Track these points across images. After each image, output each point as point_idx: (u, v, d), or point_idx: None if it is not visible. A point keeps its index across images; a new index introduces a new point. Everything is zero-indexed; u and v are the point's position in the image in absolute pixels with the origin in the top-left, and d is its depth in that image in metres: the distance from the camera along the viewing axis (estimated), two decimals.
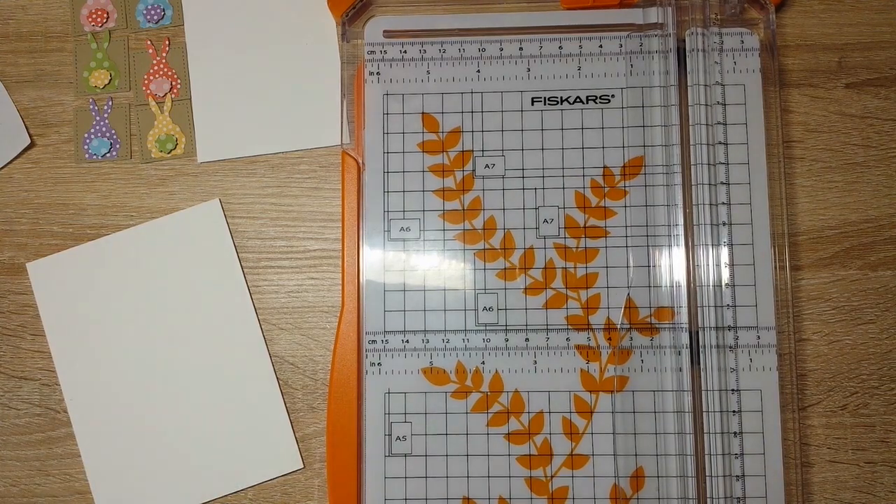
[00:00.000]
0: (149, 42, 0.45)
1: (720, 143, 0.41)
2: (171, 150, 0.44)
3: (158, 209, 0.44)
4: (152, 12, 0.45)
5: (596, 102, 0.42)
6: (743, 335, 0.40)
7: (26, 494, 0.42)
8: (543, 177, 0.42)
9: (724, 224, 0.41)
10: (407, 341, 0.41)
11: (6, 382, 0.43)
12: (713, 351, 0.39)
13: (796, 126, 0.43)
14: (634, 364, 0.40)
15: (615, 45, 0.43)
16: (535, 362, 0.41)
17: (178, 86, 0.45)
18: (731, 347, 0.40)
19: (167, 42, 0.45)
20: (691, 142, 0.41)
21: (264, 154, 0.44)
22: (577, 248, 0.41)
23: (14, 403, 0.43)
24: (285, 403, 0.42)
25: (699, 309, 0.40)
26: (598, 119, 0.42)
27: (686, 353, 0.40)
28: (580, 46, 0.43)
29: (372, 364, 0.41)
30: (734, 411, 0.39)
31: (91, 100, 0.45)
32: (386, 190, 0.42)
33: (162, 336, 0.43)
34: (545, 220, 0.42)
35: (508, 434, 0.40)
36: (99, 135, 0.44)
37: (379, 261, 0.41)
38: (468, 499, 0.40)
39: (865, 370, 0.41)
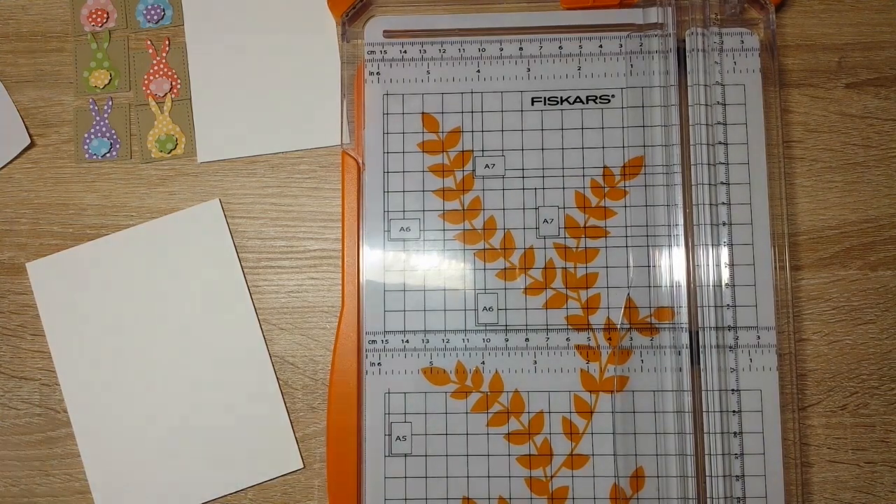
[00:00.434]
0: (149, 42, 0.45)
1: (720, 143, 0.41)
2: (171, 150, 0.44)
3: (158, 209, 0.44)
4: (152, 12, 0.45)
5: (596, 102, 0.42)
6: (743, 335, 0.40)
7: (26, 494, 0.42)
8: (543, 177, 0.42)
9: (724, 224, 0.41)
10: (407, 341, 0.41)
11: (6, 382, 0.43)
12: (713, 351, 0.39)
13: (796, 126, 0.43)
14: (634, 364, 0.40)
15: (615, 45, 0.43)
16: (535, 362, 0.41)
17: (178, 86, 0.45)
18: (731, 347, 0.40)
19: (167, 42, 0.45)
20: (691, 142, 0.41)
21: (264, 154, 0.44)
22: (577, 248, 0.41)
23: (14, 403, 0.43)
24: (285, 403, 0.42)
25: (699, 309, 0.40)
26: (598, 119, 0.42)
27: (686, 353, 0.40)
28: (580, 46, 0.43)
29: (372, 364, 0.41)
30: (734, 411, 0.39)
31: (91, 100, 0.45)
32: (386, 190, 0.42)
33: (162, 336, 0.43)
34: (545, 220, 0.42)
35: (508, 434, 0.40)
36: (99, 135, 0.44)
37: (379, 261, 0.41)
38: (468, 499, 0.40)
39: (865, 370, 0.41)
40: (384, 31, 0.43)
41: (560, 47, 0.43)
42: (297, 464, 0.41)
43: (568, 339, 0.41)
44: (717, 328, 0.40)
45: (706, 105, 0.41)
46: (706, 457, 0.39)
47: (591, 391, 0.40)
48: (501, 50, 0.43)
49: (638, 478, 0.40)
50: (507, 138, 0.42)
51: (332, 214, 0.43)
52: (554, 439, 0.40)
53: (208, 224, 0.43)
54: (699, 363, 0.39)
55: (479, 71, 0.43)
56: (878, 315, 0.42)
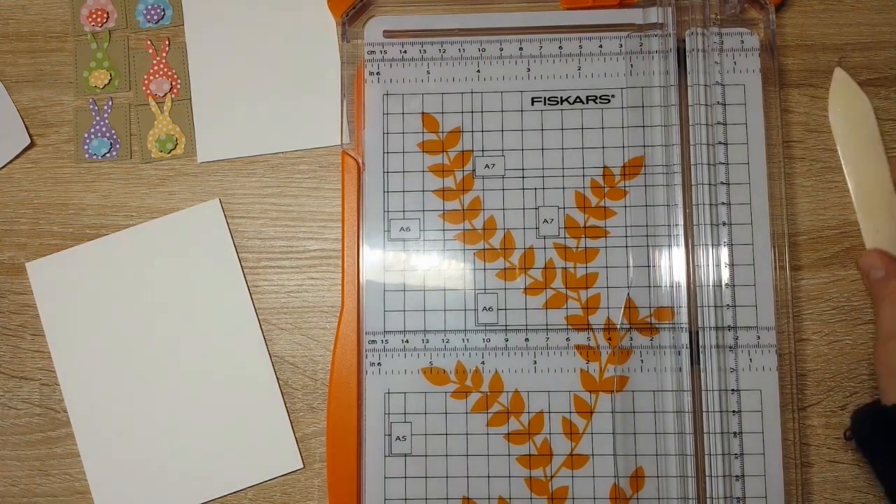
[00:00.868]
0: (149, 42, 0.45)
1: (720, 143, 0.41)
2: (171, 150, 0.44)
3: (158, 209, 0.44)
4: (152, 12, 0.45)
5: (596, 102, 0.42)
6: (743, 335, 0.40)
7: (26, 494, 0.42)
8: (543, 177, 0.42)
9: (724, 224, 0.41)
10: (407, 341, 0.41)
11: (6, 382, 0.43)
12: (713, 351, 0.39)
13: (796, 126, 0.43)
14: (634, 364, 0.40)
15: (615, 45, 0.43)
16: (535, 362, 0.41)
17: (178, 86, 0.45)
18: (730, 347, 0.40)
19: (167, 42, 0.45)
20: (691, 142, 0.41)
21: (264, 154, 0.44)
22: (577, 248, 0.41)
23: (14, 403, 0.43)
24: (285, 403, 0.42)
25: (699, 309, 0.40)
26: (598, 119, 0.42)
27: (686, 353, 0.40)
28: (580, 46, 0.43)
29: (372, 364, 0.41)
30: (734, 411, 0.39)
31: (91, 100, 0.45)
32: (386, 190, 0.42)
33: (162, 336, 0.43)
34: (545, 220, 0.42)
35: (508, 434, 0.40)
36: (99, 135, 0.44)
37: (379, 261, 0.41)
38: (468, 499, 0.40)
39: (865, 370, 0.41)
40: (384, 31, 0.43)
41: (560, 47, 0.43)
42: (297, 464, 0.41)
43: (568, 339, 0.41)
44: (717, 328, 0.40)
45: (706, 105, 0.41)
46: (706, 457, 0.39)
47: (590, 391, 0.40)
48: (501, 50, 0.43)
49: (638, 478, 0.40)
50: (507, 138, 0.42)
51: (332, 214, 0.43)
52: (554, 439, 0.40)
53: (208, 224, 0.43)
54: (699, 363, 0.39)
55: (479, 71, 0.43)
56: None
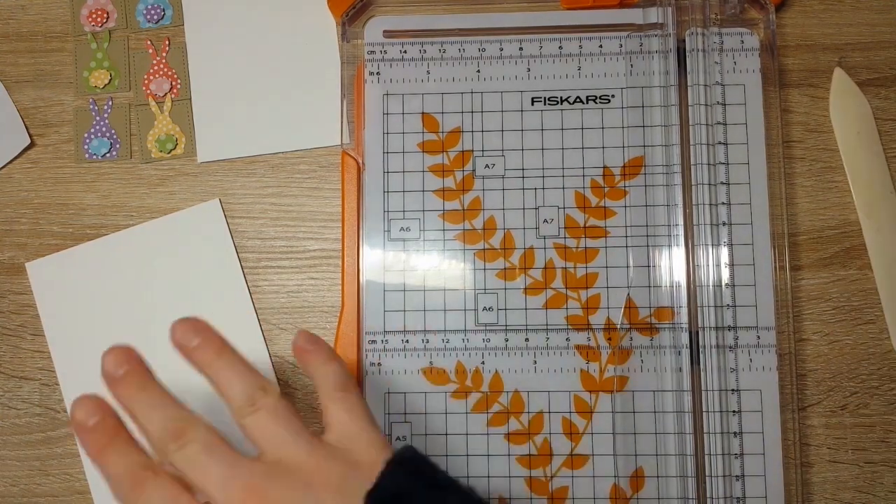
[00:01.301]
0: (149, 42, 0.45)
1: (720, 143, 0.41)
2: (171, 150, 0.44)
3: (158, 209, 0.44)
4: (152, 12, 0.45)
5: (596, 102, 0.42)
6: (743, 335, 0.40)
7: (26, 494, 0.42)
8: (543, 177, 0.42)
9: (724, 224, 0.41)
10: (407, 341, 0.41)
11: (6, 382, 0.43)
12: (713, 351, 0.39)
13: (796, 126, 0.43)
14: (634, 364, 0.40)
15: (615, 45, 0.43)
16: (535, 362, 0.41)
17: (178, 86, 0.45)
18: (730, 347, 0.40)
19: (167, 42, 0.45)
20: (691, 142, 0.41)
21: (264, 154, 0.44)
22: (577, 248, 0.41)
23: (14, 403, 0.43)
24: None
25: (699, 309, 0.40)
26: (598, 119, 0.42)
27: (686, 353, 0.40)
28: (580, 46, 0.43)
29: (372, 364, 0.41)
30: (734, 411, 0.39)
31: (91, 100, 0.45)
32: (386, 190, 0.42)
33: (162, 336, 0.43)
34: (545, 220, 0.42)
35: (508, 434, 0.40)
36: (99, 135, 0.44)
37: (379, 261, 0.41)
38: None
39: (865, 370, 0.41)
40: (384, 31, 0.43)
41: (560, 47, 0.43)
42: None
43: (568, 339, 0.41)
44: (717, 328, 0.40)
45: (706, 105, 0.41)
46: (706, 457, 0.39)
47: (590, 391, 0.40)
48: (501, 50, 0.43)
49: (638, 478, 0.40)
50: (507, 138, 0.42)
51: (332, 214, 0.43)
52: (554, 439, 0.40)
53: (208, 224, 0.43)
54: (699, 363, 0.39)
55: (479, 71, 0.43)
56: (878, 315, 0.42)
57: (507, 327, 0.41)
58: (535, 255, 0.41)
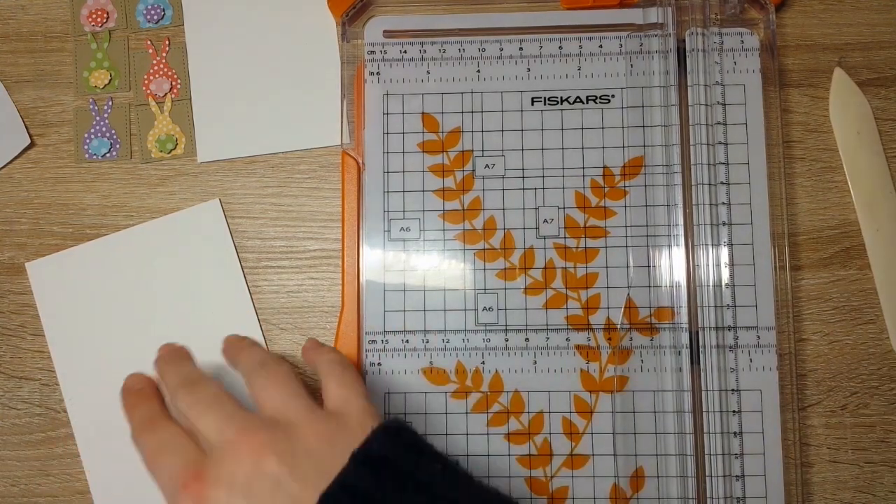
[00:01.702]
0: (149, 42, 0.45)
1: (720, 143, 0.41)
2: (171, 150, 0.44)
3: (158, 209, 0.44)
4: (152, 12, 0.45)
5: (596, 102, 0.42)
6: (743, 335, 0.40)
7: (26, 494, 0.42)
8: (543, 177, 0.42)
9: (724, 224, 0.41)
10: (407, 341, 0.41)
11: (6, 382, 0.43)
12: (713, 351, 0.39)
13: (796, 126, 0.43)
14: (634, 364, 0.40)
15: (615, 45, 0.43)
16: (535, 362, 0.41)
17: (178, 86, 0.45)
18: (731, 347, 0.40)
19: (167, 42, 0.45)
20: (691, 142, 0.41)
21: (264, 154, 0.44)
22: (577, 248, 0.41)
23: (14, 403, 0.43)
24: None
25: (699, 309, 0.40)
26: (598, 119, 0.42)
27: (686, 353, 0.40)
28: (580, 46, 0.43)
29: (372, 364, 0.41)
30: (734, 411, 0.39)
31: (91, 100, 0.45)
32: (386, 190, 0.42)
33: (162, 336, 0.43)
34: (545, 220, 0.42)
35: (508, 434, 0.40)
36: (99, 135, 0.44)
37: (379, 261, 0.41)
38: None
39: (865, 370, 0.41)
40: (384, 31, 0.43)
41: (560, 47, 0.43)
42: None
43: (568, 339, 0.41)
44: (717, 328, 0.40)
45: (706, 105, 0.41)
46: (706, 457, 0.39)
47: (591, 391, 0.40)
48: (501, 50, 0.43)
49: (638, 478, 0.40)
50: (507, 138, 0.42)
51: (332, 214, 0.43)
52: (554, 439, 0.40)
53: (208, 224, 0.43)
54: (699, 363, 0.39)
55: (479, 71, 0.43)
56: (877, 315, 0.42)
57: (508, 327, 0.41)
58: (535, 255, 0.41)
